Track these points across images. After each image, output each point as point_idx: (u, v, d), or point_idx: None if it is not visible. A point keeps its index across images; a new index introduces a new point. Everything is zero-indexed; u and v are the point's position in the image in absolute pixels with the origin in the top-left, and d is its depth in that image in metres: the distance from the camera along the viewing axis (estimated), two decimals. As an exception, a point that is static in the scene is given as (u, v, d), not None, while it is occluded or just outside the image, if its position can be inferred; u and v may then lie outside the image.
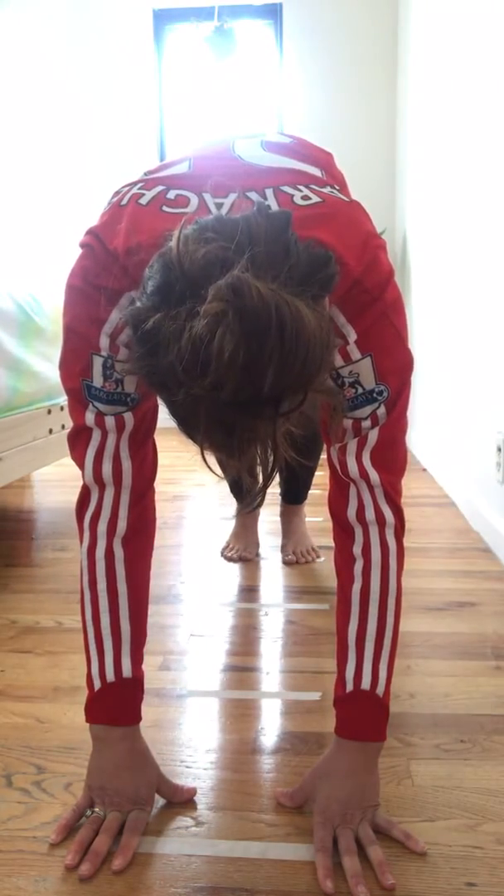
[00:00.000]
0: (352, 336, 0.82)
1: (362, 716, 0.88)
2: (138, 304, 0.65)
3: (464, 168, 2.37)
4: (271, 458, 0.67)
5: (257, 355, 0.58)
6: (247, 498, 0.68)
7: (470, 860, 0.82)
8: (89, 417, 0.87)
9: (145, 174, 0.91)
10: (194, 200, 0.81)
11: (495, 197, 1.96)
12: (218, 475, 0.73)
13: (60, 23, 4.14)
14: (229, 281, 0.59)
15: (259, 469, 0.69)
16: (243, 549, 1.88)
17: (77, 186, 4.20)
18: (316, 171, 0.93)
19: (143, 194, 0.83)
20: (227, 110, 4.18)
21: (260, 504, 0.75)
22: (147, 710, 0.95)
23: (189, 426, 0.65)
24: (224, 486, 1.95)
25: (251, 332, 0.58)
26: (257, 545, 1.91)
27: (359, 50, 4.02)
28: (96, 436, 0.88)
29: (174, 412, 0.65)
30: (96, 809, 0.87)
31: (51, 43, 4.15)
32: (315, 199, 0.83)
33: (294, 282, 0.62)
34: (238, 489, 1.86)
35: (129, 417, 0.87)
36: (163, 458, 1.00)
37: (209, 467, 0.70)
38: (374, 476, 0.87)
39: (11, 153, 4.24)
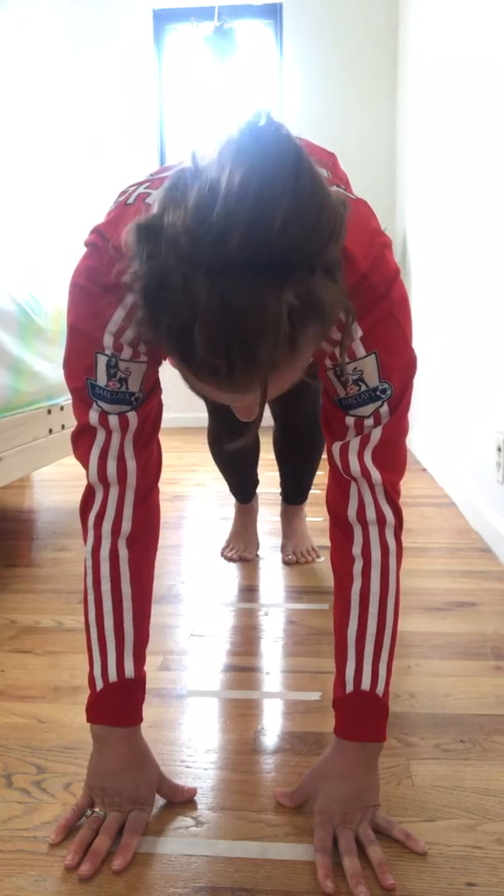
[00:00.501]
0: (357, 333, 0.82)
1: (362, 716, 0.88)
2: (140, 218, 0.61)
3: (464, 168, 2.37)
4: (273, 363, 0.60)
5: (269, 188, 0.54)
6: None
7: (470, 860, 0.82)
8: (93, 416, 0.87)
9: (151, 175, 0.91)
10: None
11: (495, 197, 1.95)
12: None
13: (61, 23, 4.14)
14: (247, 119, 0.55)
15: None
16: (243, 550, 1.88)
17: (77, 186, 4.20)
18: (322, 171, 0.93)
19: (150, 193, 0.82)
20: (227, 110, 4.17)
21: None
22: (147, 710, 0.95)
23: (187, 340, 0.58)
24: (224, 487, 1.94)
25: (265, 160, 0.54)
26: (257, 545, 1.92)
27: (359, 50, 4.02)
28: (100, 435, 0.88)
29: (171, 322, 0.59)
30: (96, 809, 0.87)
31: (51, 43, 4.15)
32: None
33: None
34: (230, 462, 1.81)
35: (133, 417, 0.87)
36: (164, 458, 1.00)
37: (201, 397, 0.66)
38: (375, 475, 0.87)
39: (11, 153, 4.24)
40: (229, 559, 1.87)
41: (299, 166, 0.55)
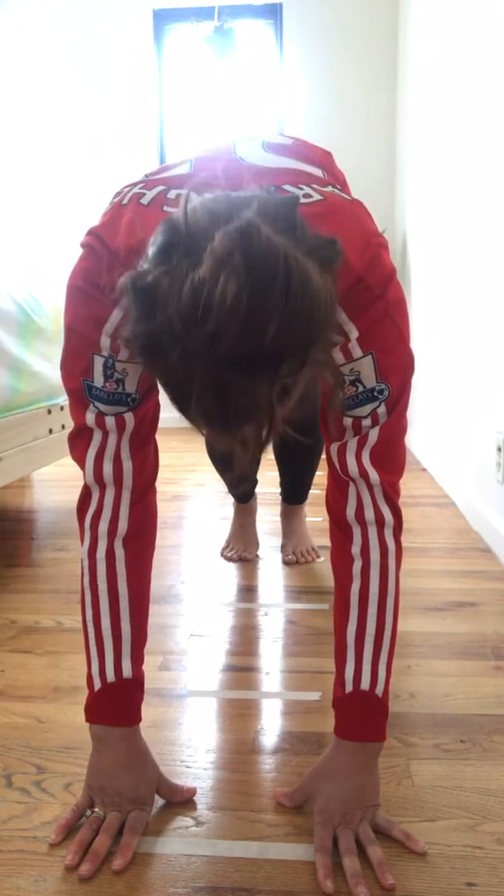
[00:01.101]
0: (353, 334, 0.82)
1: (362, 716, 0.88)
2: (138, 269, 0.62)
3: (464, 168, 2.37)
4: (266, 433, 0.63)
5: (261, 303, 0.55)
6: (235, 475, 0.64)
7: (470, 860, 0.82)
8: (90, 417, 0.87)
9: (146, 176, 0.91)
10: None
11: (495, 197, 1.95)
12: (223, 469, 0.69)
13: (61, 22, 4.14)
14: (238, 224, 0.56)
15: (251, 444, 0.65)
16: (243, 550, 1.88)
17: (77, 186, 4.20)
18: (317, 172, 0.93)
19: (144, 194, 0.83)
20: (227, 110, 4.18)
21: (251, 484, 0.72)
22: (147, 710, 0.95)
23: (182, 395, 0.61)
24: (223, 486, 1.94)
25: (257, 278, 0.55)
26: (257, 545, 1.91)
27: (359, 50, 4.02)
28: (97, 436, 0.88)
29: (167, 380, 0.62)
30: (96, 809, 0.87)
31: (51, 43, 4.15)
32: (316, 196, 0.82)
33: (300, 249, 0.60)
34: (224, 464, 1.78)
35: (129, 417, 0.87)
36: (163, 458, 1.00)
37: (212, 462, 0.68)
38: (373, 475, 0.87)
39: (11, 152, 4.24)
40: (229, 559, 1.87)
41: (289, 279, 0.56)
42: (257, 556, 1.89)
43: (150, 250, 0.62)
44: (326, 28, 4.02)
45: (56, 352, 1.96)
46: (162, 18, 4.16)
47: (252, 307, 0.55)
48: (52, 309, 1.94)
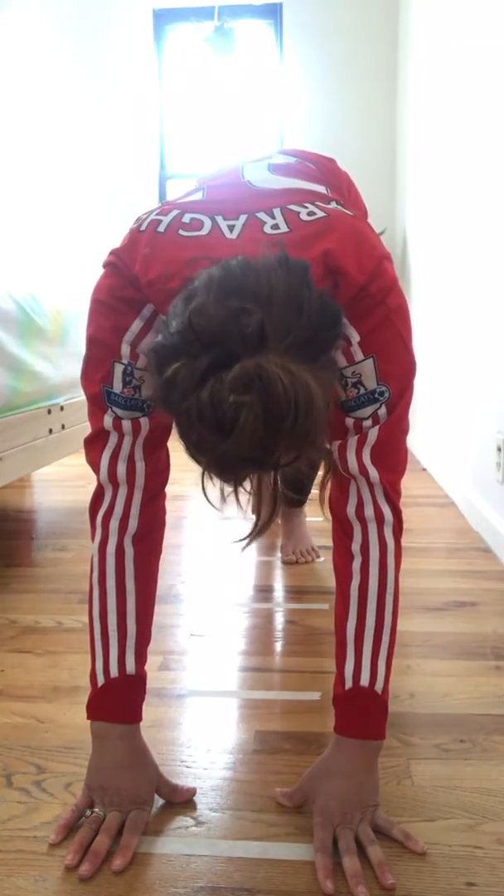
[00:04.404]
0: (355, 338, 0.85)
1: (362, 713, 0.88)
2: (160, 337, 0.70)
3: (464, 168, 2.37)
4: (267, 495, 0.76)
5: (274, 434, 0.66)
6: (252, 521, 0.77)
7: (470, 860, 0.82)
8: (107, 421, 0.90)
9: (162, 203, 0.96)
10: (207, 223, 0.86)
11: (495, 197, 1.96)
12: (216, 507, 0.78)
13: (61, 22, 4.14)
14: (258, 372, 0.64)
15: (253, 502, 0.78)
16: (305, 552, 1.85)
17: (77, 185, 4.20)
18: (321, 189, 0.99)
19: (161, 220, 0.87)
20: (228, 110, 4.18)
21: (256, 537, 0.81)
22: (147, 710, 0.95)
23: (194, 453, 0.71)
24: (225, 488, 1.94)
25: (272, 420, 0.65)
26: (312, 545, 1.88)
27: (359, 50, 4.02)
28: (113, 438, 0.91)
29: (182, 439, 0.71)
30: (96, 809, 0.87)
31: (51, 42, 4.15)
32: (320, 214, 0.87)
33: (305, 342, 0.68)
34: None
35: (144, 422, 0.91)
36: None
37: (208, 500, 0.77)
38: (373, 473, 0.88)
39: (11, 151, 4.24)
40: (287, 562, 1.85)
41: (297, 414, 0.66)
42: (257, 556, 1.89)
43: (172, 325, 0.69)
44: (326, 28, 4.02)
45: (56, 352, 1.96)
46: (162, 18, 4.16)
47: (265, 437, 0.65)
48: (52, 309, 1.94)
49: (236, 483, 0.73)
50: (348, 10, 4.00)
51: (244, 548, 0.85)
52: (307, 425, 0.66)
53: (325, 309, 0.71)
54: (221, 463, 0.70)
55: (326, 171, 1.16)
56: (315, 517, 2.04)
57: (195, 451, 0.70)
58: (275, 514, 0.78)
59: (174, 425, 0.72)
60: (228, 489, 0.75)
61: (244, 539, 0.81)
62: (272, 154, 1.16)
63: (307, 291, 0.70)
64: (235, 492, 0.75)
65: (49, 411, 1.99)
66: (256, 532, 0.79)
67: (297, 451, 0.70)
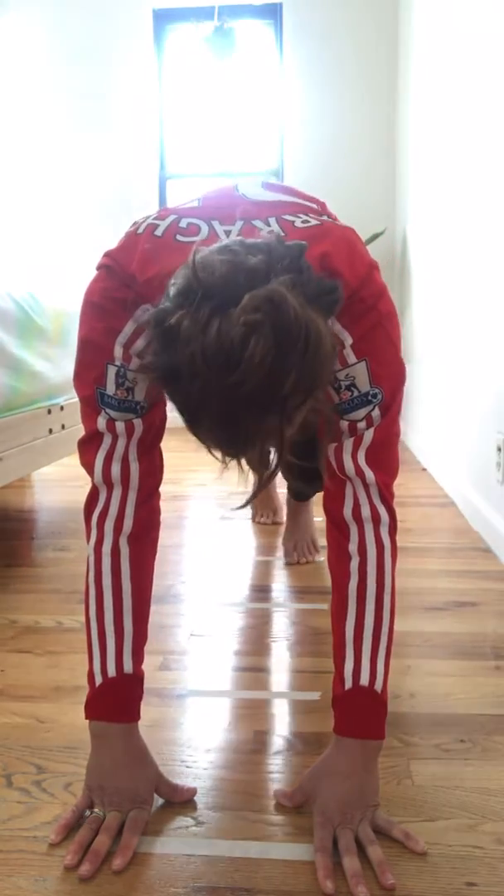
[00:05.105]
0: (348, 341, 0.87)
1: (361, 713, 0.89)
2: (160, 305, 0.69)
3: (464, 168, 2.37)
4: (272, 457, 0.71)
5: (283, 363, 0.64)
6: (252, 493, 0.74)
7: (470, 860, 0.82)
8: (101, 423, 0.91)
9: (160, 209, 0.97)
10: (205, 228, 0.87)
11: (495, 197, 1.96)
12: (220, 460, 0.75)
13: (61, 23, 4.14)
14: (268, 294, 0.64)
15: (258, 467, 0.73)
16: (273, 515, 2.14)
17: (77, 185, 4.20)
18: (312, 205, 1.01)
19: (158, 225, 0.88)
20: (228, 110, 4.18)
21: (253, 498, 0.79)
22: (147, 710, 0.95)
23: (196, 420, 0.69)
24: (224, 487, 1.95)
25: (282, 344, 0.64)
26: (281, 508, 2.12)
27: (359, 50, 4.02)
28: (107, 440, 0.91)
29: (183, 405, 0.69)
30: (95, 810, 0.88)
31: (51, 42, 4.16)
32: (313, 222, 0.90)
33: (307, 299, 0.68)
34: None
35: (138, 423, 0.91)
36: (164, 458, 1.00)
37: (215, 456, 0.74)
38: (369, 474, 0.90)
39: (10, 152, 4.24)
40: (262, 524, 2.13)
41: (308, 345, 0.65)
42: (258, 556, 1.89)
43: (171, 290, 0.69)
44: (326, 28, 4.02)
45: (56, 352, 1.96)
46: (162, 18, 4.16)
47: (274, 367, 0.64)
48: (52, 309, 1.94)
49: (243, 450, 0.71)
50: (348, 10, 4.00)
51: (240, 507, 0.83)
52: (317, 359, 0.66)
53: (324, 276, 0.72)
54: (227, 415, 0.67)
55: (317, 201, 1.19)
56: (316, 517, 2.04)
57: (196, 409, 0.68)
58: (274, 473, 0.75)
59: (168, 397, 0.71)
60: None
61: (244, 502, 0.78)
62: (265, 177, 1.19)
63: (305, 262, 0.71)
64: (238, 458, 0.73)
65: (49, 411, 1.99)
66: (255, 492, 0.76)
67: (304, 391, 0.68)
